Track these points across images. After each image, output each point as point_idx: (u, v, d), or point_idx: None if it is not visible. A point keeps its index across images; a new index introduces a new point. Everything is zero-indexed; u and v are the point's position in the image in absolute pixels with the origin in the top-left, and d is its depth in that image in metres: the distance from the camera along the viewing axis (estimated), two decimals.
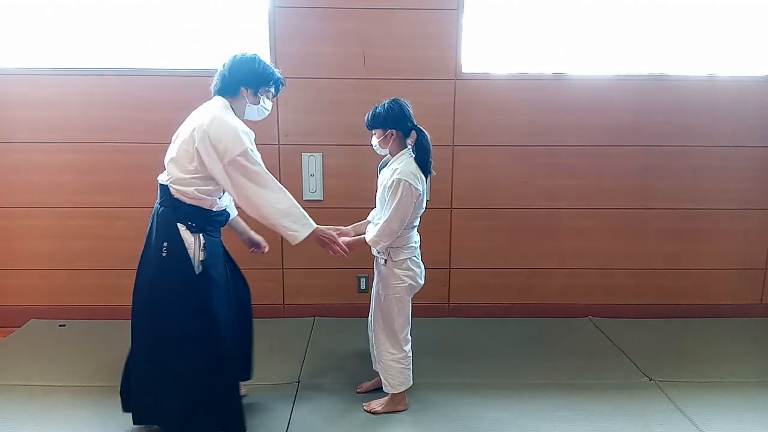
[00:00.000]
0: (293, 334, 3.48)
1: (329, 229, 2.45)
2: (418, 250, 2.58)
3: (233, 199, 2.39)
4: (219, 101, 2.31)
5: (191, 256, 2.24)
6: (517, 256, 3.75)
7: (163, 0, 3.41)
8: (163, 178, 2.31)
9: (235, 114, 2.30)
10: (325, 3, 3.37)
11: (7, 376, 2.93)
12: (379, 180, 2.56)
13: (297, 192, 3.58)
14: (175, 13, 3.43)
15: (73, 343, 3.35)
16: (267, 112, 2.43)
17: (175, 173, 2.25)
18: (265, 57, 3.40)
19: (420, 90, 3.47)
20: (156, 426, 2.45)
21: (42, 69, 3.42)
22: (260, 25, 3.43)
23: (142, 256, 2.41)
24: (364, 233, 2.56)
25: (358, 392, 2.80)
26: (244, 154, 2.16)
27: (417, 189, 2.37)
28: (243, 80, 2.29)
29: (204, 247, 2.27)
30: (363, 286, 3.72)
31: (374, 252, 2.55)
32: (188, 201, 2.25)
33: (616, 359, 3.20)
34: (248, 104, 2.34)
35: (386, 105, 2.42)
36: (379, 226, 2.41)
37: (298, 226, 2.28)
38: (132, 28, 3.44)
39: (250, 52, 2.35)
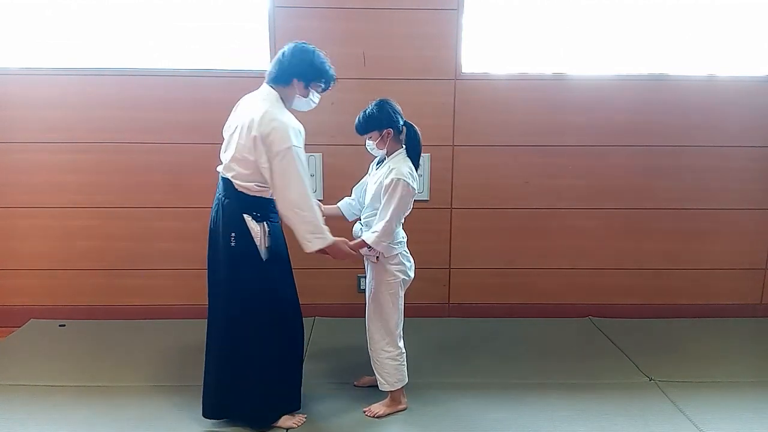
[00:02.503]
0: None
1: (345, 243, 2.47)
2: (406, 245, 2.60)
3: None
4: (271, 93, 2.35)
5: (258, 244, 2.35)
6: (517, 256, 3.75)
7: (163, 0, 3.41)
8: (225, 173, 2.37)
9: (285, 101, 2.37)
10: (325, 3, 3.37)
11: (7, 376, 2.93)
12: (372, 175, 2.59)
13: None
14: (175, 13, 3.43)
15: (73, 343, 3.35)
16: (314, 105, 2.50)
17: (236, 170, 2.33)
18: (265, 57, 3.44)
19: (420, 90, 3.47)
20: (225, 419, 2.54)
21: (42, 69, 3.42)
22: (260, 25, 3.43)
23: (209, 250, 2.50)
24: (338, 216, 2.68)
25: (355, 385, 2.82)
26: (287, 150, 2.23)
27: (414, 188, 2.42)
28: (297, 72, 2.34)
29: (269, 233, 2.38)
30: (363, 286, 3.71)
31: (363, 251, 2.55)
32: (251, 193, 2.34)
33: (616, 359, 3.20)
34: (297, 95, 2.39)
35: (377, 106, 2.46)
36: (378, 227, 2.42)
37: (313, 236, 2.33)
38: (132, 28, 3.44)
39: (310, 44, 2.39)
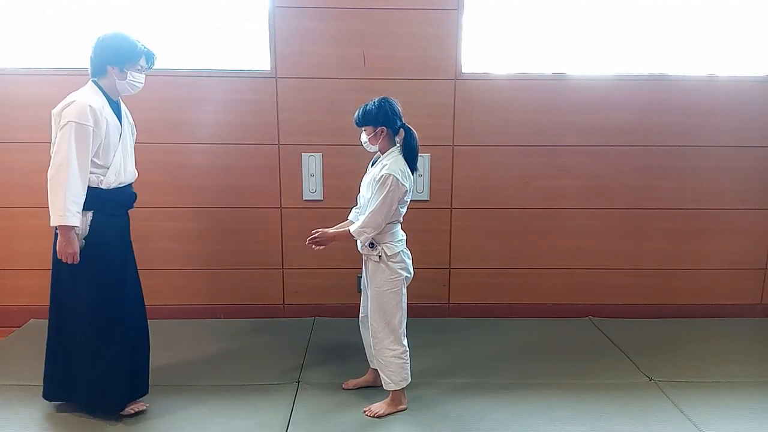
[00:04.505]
0: (293, 334, 3.48)
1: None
2: (405, 243, 2.61)
3: None
4: (87, 84, 2.42)
5: (77, 232, 2.32)
6: (517, 256, 3.75)
7: (163, 0, 3.41)
8: None
9: (108, 92, 2.41)
10: (325, 3, 3.37)
11: (7, 376, 2.93)
12: (366, 176, 2.60)
13: (297, 192, 3.58)
14: (175, 13, 3.43)
15: None
16: (140, 86, 2.49)
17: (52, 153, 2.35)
18: (266, 57, 3.44)
19: (420, 90, 3.47)
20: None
21: (42, 69, 3.42)
22: (260, 25, 3.43)
23: None
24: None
25: (344, 388, 2.82)
26: (68, 124, 2.26)
27: (404, 185, 2.43)
28: (106, 59, 2.38)
29: (90, 224, 2.36)
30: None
31: (364, 250, 2.56)
32: None
33: (616, 359, 3.20)
34: (116, 80, 2.41)
35: (377, 103, 2.48)
36: (364, 217, 2.44)
37: (53, 213, 2.26)
38: (132, 28, 3.41)
39: (114, 30, 2.42)
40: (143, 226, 3.59)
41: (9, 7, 3.40)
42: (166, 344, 3.30)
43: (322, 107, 3.49)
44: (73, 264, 2.33)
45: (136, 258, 2.61)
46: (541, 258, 3.76)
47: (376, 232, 2.45)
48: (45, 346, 2.52)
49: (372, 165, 2.62)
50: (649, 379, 2.96)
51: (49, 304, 2.49)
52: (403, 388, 2.62)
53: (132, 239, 3.67)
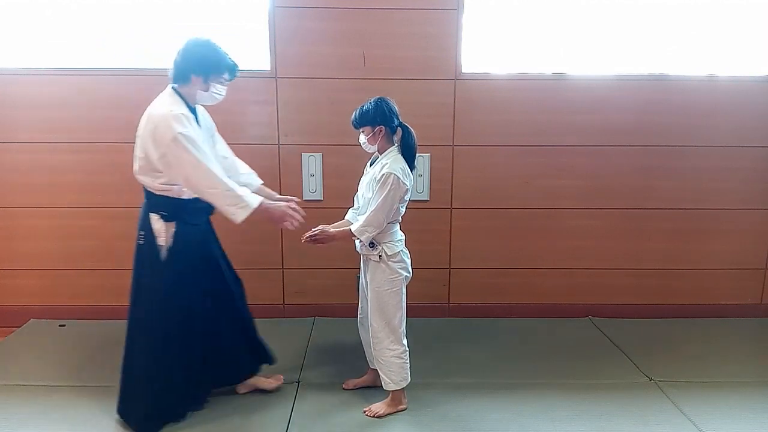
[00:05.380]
0: (293, 334, 3.48)
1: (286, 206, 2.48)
2: (404, 243, 2.62)
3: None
4: (166, 90, 2.38)
5: (160, 244, 2.37)
6: (517, 256, 3.75)
7: (164, 0, 3.41)
8: (136, 176, 2.43)
9: (187, 99, 2.37)
10: (325, 3, 3.37)
11: (7, 376, 2.93)
12: (365, 176, 2.60)
13: (297, 192, 3.58)
14: (176, 13, 3.43)
15: (73, 343, 3.35)
16: (220, 97, 2.48)
17: (140, 171, 2.39)
18: (265, 57, 3.44)
19: (420, 90, 3.47)
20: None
21: (42, 69, 3.42)
22: (260, 25, 3.43)
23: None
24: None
25: (344, 388, 2.82)
26: (174, 138, 2.22)
27: (405, 184, 2.43)
28: (192, 68, 2.34)
29: (174, 235, 2.37)
30: None
31: (363, 250, 2.56)
32: (156, 192, 2.37)
33: (616, 359, 3.20)
34: (199, 90, 2.39)
35: (373, 103, 2.49)
36: (365, 217, 2.44)
37: (235, 208, 2.30)
38: (132, 28, 3.44)
39: (204, 37, 2.39)
40: None
41: (9, 7, 3.40)
42: None
43: (322, 107, 3.49)
44: (155, 276, 2.37)
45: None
46: (541, 258, 3.76)
47: (377, 231, 2.45)
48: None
49: (370, 165, 2.62)
50: (649, 379, 2.96)
51: (128, 317, 2.49)
52: (403, 388, 2.62)
53: (132, 239, 3.66)
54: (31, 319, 3.65)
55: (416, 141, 2.52)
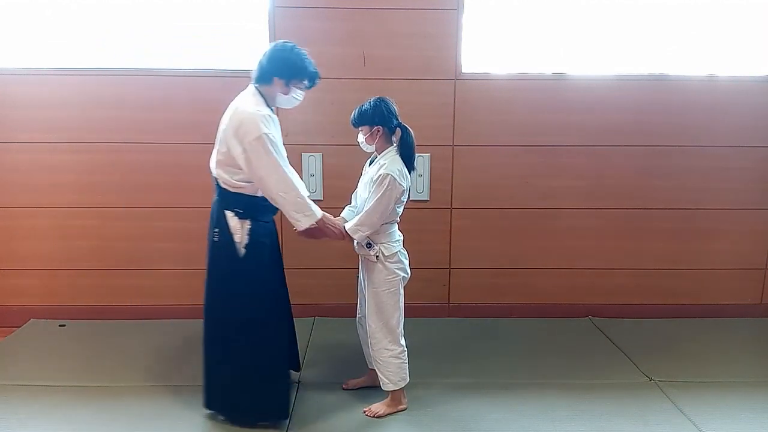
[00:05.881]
0: None
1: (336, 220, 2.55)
2: (402, 243, 2.62)
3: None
4: (249, 90, 2.43)
5: (237, 241, 2.39)
6: (517, 256, 3.75)
7: (164, 0, 3.41)
8: (212, 171, 2.46)
9: (266, 100, 2.41)
10: (325, 3, 3.37)
11: (7, 376, 2.93)
12: (364, 176, 2.60)
13: None
14: (176, 13, 3.43)
15: (73, 343, 3.35)
16: (297, 102, 2.53)
17: (218, 167, 2.41)
18: None
19: (420, 90, 3.47)
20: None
21: (42, 69, 3.42)
22: (260, 25, 3.43)
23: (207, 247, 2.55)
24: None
25: (343, 389, 2.82)
26: (258, 138, 2.26)
27: (401, 185, 2.43)
28: (276, 70, 2.40)
29: (249, 232, 2.40)
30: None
31: (361, 251, 2.56)
32: (232, 189, 2.39)
33: (616, 359, 3.20)
34: (279, 93, 2.44)
35: (372, 102, 2.49)
36: (359, 216, 2.45)
37: (301, 216, 2.37)
38: (132, 28, 3.44)
39: (290, 43, 2.45)
40: (143, 226, 3.62)
41: (9, 7, 3.40)
42: (166, 344, 3.31)
43: (322, 107, 3.49)
44: (236, 273, 2.40)
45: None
46: (541, 258, 3.76)
47: (370, 231, 2.45)
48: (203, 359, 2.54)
49: (369, 165, 2.62)
50: (649, 379, 2.96)
51: (204, 317, 2.52)
52: (402, 388, 2.62)
53: (132, 239, 3.69)
54: (31, 319, 3.65)
55: (415, 142, 2.52)
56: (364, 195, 2.54)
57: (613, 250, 3.76)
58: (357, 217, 2.47)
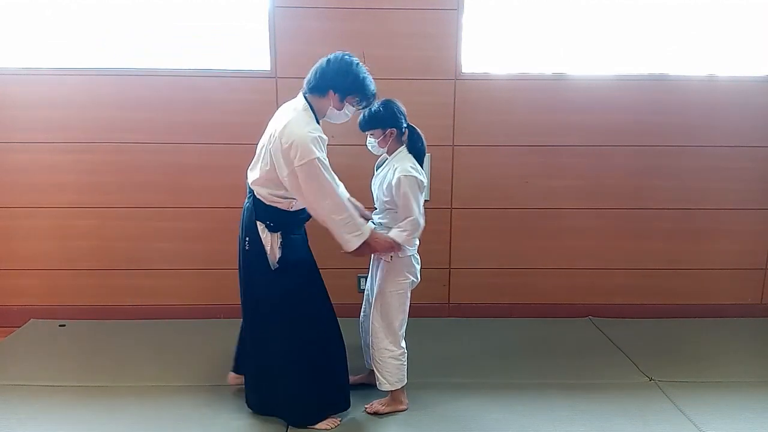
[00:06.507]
0: None
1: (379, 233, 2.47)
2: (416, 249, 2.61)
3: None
4: (300, 103, 2.34)
5: (268, 252, 2.38)
6: (517, 256, 3.75)
7: (164, 0, 3.41)
8: (249, 179, 2.43)
9: (317, 114, 2.34)
10: (325, 3, 3.37)
11: (7, 376, 2.93)
12: (376, 179, 2.60)
13: None
14: (176, 13, 3.43)
15: (73, 343, 3.35)
16: (348, 118, 2.46)
17: (255, 177, 2.37)
18: (265, 57, 3.44)
19: (420, 90, 3.47)
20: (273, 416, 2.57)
21: (42, 69, 3.42)
22: (260, 25, 3.43)
23: (238, 248, 2.56)
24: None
25: None
26: (311, 162, 2.21)
27: (421, 180, 2.43)
28: (334, 84, 2.31)
29: (281, 245, 2.39)
30: (363, 286, 3.71)
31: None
32: (267, 202, 2.36)
33: (616, 359, 3.20)
34: (332, 107, 2.36)
35: (383, 104, 2.47)
36: (404, 225, 2.42)
37: (352, 236, 2.34)
38: (132, 28, 3.44)
39: (353, 57, 2.35)
40: (143, 226, 3.61)
41: (9, 7, 3.40)
42: (166, 344, 3.31)
43: None
44: (272, 286, 2.39)
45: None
46: (541, 258, 3.76)
47: (419, 232, 2.45)
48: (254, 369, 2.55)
49: (377, 167, 2.62)
50: (649, 379, 2.96)
51: (249, 328, 2.54)
52: (402, 388, 2.62)
53: (132, 239, 3.69)
54: (31, 319, 3.64)
55: (425, 142, 2.53)
56: (382, 197, 2.52)
57: (613, 250, 3.76)
58: (402, 225, 2.43)
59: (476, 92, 3.51)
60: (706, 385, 2.90)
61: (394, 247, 2.43)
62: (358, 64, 2.35)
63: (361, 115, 2.49)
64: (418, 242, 2.60)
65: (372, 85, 2.38)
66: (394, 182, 2.40)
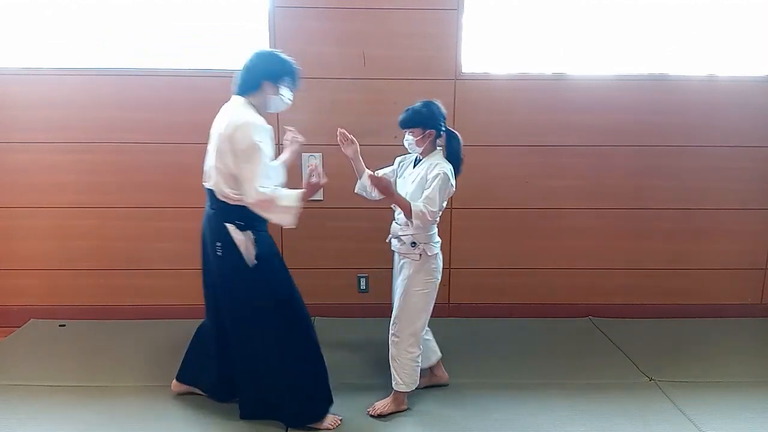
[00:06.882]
0: None
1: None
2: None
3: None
4: (238, 101, 2.41)
5: (243, 252, 2.39)
6: (517, 256, 3.75)
7: (164, 0, 3.41)
8: (206, 183, 2.47)
9: (257, 108, 2.41)
10: (325, 3, 3.37)
11: (7, 376, 2.93)
12: (409, 175, 2.57)
13: None
14: (176, 13, 3.43)
15: (73, 343, 3.35)
16: (289, 103, 2.51)
17: (214, 179, 2.41)
18: None
19: (420, 90, 3.46)
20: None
21: (42, 69, 3.42)
22: (260, 25, 3.43)
23: (202, 256, 2.60)
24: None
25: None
26: (252, 146, 2.27)
27: (453, 185, 2.45)
28: (263, 74, 2.39)
29: (255, 241, 2.41)
30: (363, 286, 3.72)
31: (404, 249, 2.55)
32: (231, 202, 2.38)
33: (616, 359, 3.20)
34: (270, 96, 2.43)
35: (426, 105, 2.48)
36: (425, 205, 2.39)
37: (286, 215, 2.37)
38: (132, 28, 3.44)
39: (268, 48, 2.47)
40: (143, 226, 3.62)
41: (9, 7, 3.40)
42: (167, 345, 3.31)
43: (322, 107, 3.49)
44: (251, 285, 2.41)
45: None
46: (541, 258, 3.76)
47: (425, 222, 2.41)
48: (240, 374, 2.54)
49: (414, 166, 2.59)
50: (649, 379, 2.96)
51: (233, 335, 2.51)
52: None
53: (132, 239, 3.69)
54: (31, 319, 3.65)
55: (462, 146, 2.52)
56: (410, 190, 2.50)
57: (613, 250, 3.76)
58: (420, 202, 2.40)
59: (476, 92, 3.51)
60: (706, 385, 2.90)
61: (311, 185, 2.41)
62: (273, 51, 2.46)
63: (403, 113, 2.50)
64: (440, 240, 2.60)
65: (294, 63, 2.45)
66: (431, 175, 2.41)
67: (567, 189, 3.67)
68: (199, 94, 3.46)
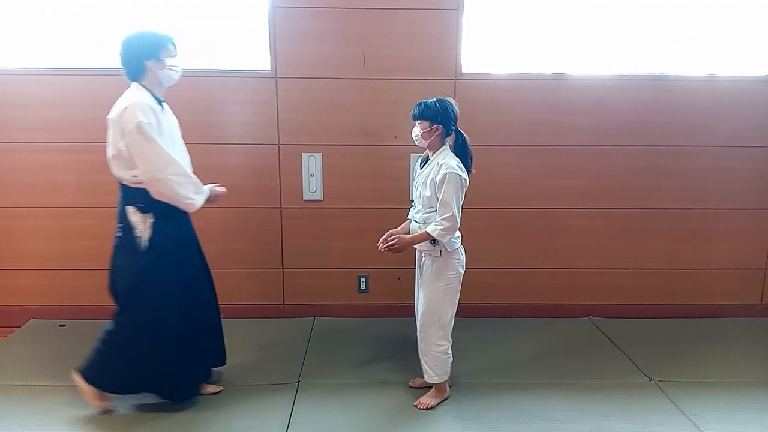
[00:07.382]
0: (293, 334, 3.48)
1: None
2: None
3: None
4: (132, 86, 2.45)
5: (138, 235, 2.43)
6: (517, 256, 3.75)
7: (164, 0, 3.41)
8: (112, 170, 2.48)
9: (152, 88, 2.45)
10: (325, 3, 3.37)
11: (7, 376, 2.93)
12: (419, 175, 2.60)
13: (297, 192, 3.58)
14: (176, 14, 3.43)
15: (73, 343, 3.34)
16: (180, 71, 2.53)
17: (113, 163, 2.44)
18: (265, 57, 3.44)
19: (420, 90, 3.47)
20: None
21: (42, 69, 3.42)
22: (260, 25, 3.43)
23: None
24: (411, 232, 2.60)
25: (411, 387, 2.83)
26: (138, 126, 2.30)
27: (465, 179, 2.45)
28: (141, 54, 2.41)
29: (152, 225, 2.43)
30: (363, 286, 3.72)
31: (424, 246, 2.55)
32: (130, 185, 2.42)
33: (616, 359, 3.20)
34: (158, 72, 2.44)
35: (439, 101, 2.50)
36: (441, 220, 2.42)
37: (194, 194, 2.45)
38: (132, 29, 3.43)
39: (132, 29, 2.46)
40: None
41: (9, 7, 3.40)
42: None
43: (322, 107, 3.49)
44: (133, 269, 2.44)
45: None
46: (541, 258, 3.76)
47: (456, 230, 2.45)
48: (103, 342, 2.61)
49: (421, 166, 2.62)
50: (649, 379, 2.96)
51: (118, 308, 2.56)
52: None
53: None
54: (31, 319, 3.65)
55: (471, 150, 2.54)
56: (425, 193, 2.51)
57: (613, 250, 3.76)
58: (437, 220, 2.44)
59: (476, 92, 3.51)
60: (706, 385, 2.90)
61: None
62: (137, 31, 2.44)
63: (417, 104, 2.51)
64: (460, 235, 2.60)
65: (160, 33, 2.46)
66: (438, 178, 2.42)
67: (567, 189, 3.67)
68: (198, 94, 3.47)
